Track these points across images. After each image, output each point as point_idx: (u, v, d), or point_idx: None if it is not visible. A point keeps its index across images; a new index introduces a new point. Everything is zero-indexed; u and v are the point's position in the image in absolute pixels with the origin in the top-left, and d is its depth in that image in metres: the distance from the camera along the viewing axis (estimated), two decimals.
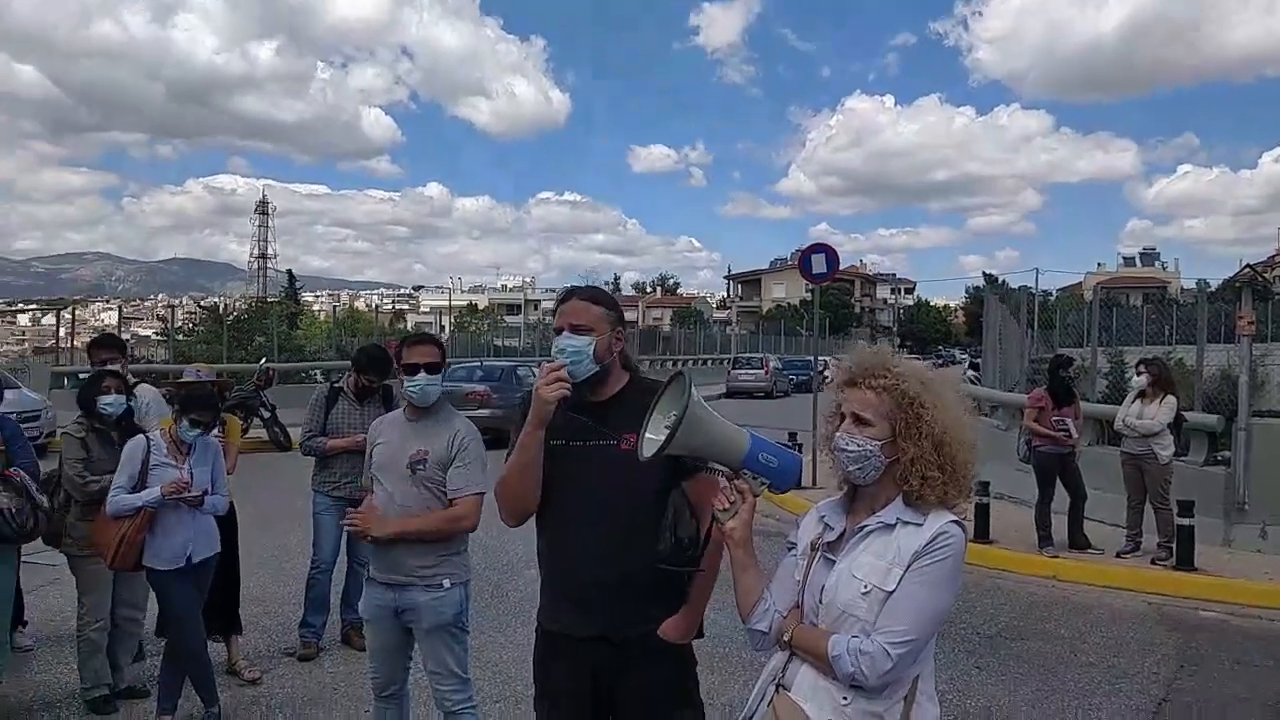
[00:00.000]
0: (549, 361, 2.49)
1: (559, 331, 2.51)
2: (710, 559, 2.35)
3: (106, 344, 5.69)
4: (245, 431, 14.92)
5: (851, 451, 2.04)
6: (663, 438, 2.09)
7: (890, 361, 2.10)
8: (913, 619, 1.93)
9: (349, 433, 5.62)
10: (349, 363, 6.31)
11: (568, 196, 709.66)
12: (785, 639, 2.07)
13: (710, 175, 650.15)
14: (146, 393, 5.67)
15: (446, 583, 3.52)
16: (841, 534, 2.10)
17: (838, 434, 2.07)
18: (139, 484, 4.42)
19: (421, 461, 3.52)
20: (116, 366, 5.36)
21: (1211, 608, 7.07)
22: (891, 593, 1.95)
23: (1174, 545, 7.78)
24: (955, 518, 2.02)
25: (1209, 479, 8.90)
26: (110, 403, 4.79)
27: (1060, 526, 8.36)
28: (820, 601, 2.03)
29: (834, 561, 2.06)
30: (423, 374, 3.56)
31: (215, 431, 4.96)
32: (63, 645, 5.45)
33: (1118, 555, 8.18)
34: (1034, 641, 6.23)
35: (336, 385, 5.91)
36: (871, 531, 2.04)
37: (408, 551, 3.51)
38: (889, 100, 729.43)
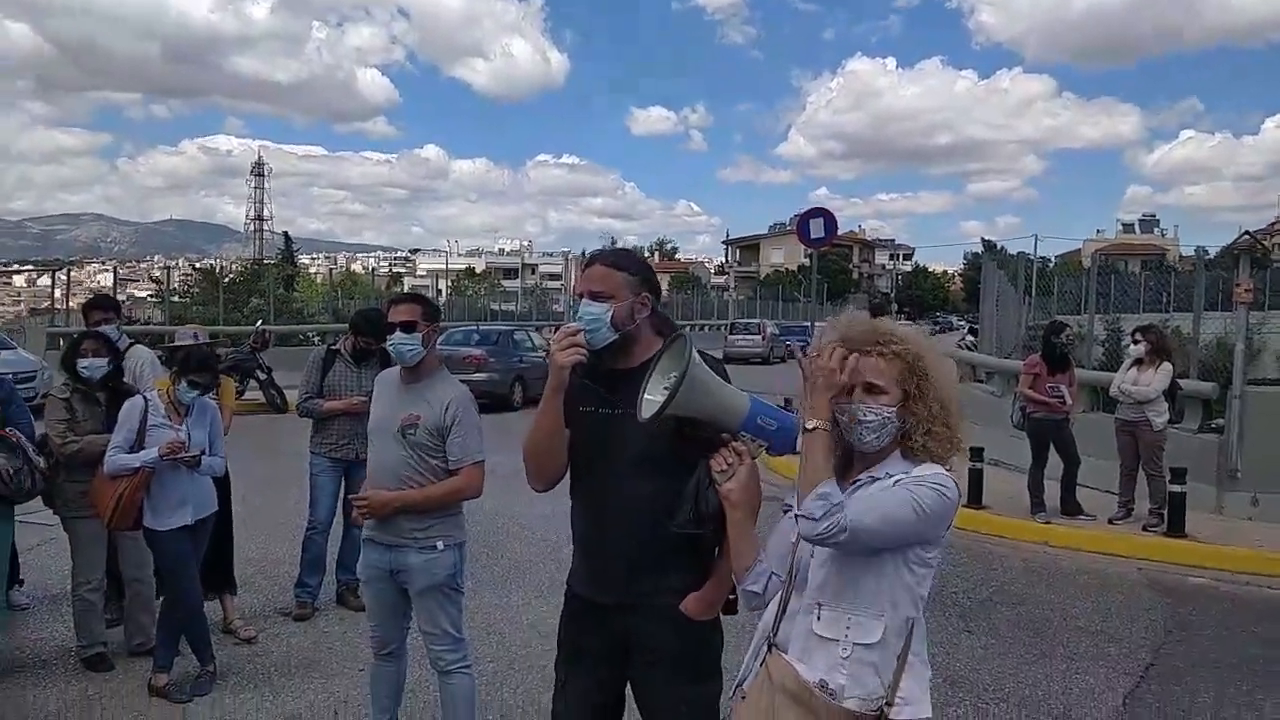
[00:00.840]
0: (560, 325, 2.47)
1: (580, 297, 2.49)
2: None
3: (101, 305, 5.68)
4: (241, 394, 15.01)
5: (871, 422, 2.03)
6: (662, 399, 2.08)
7: (891, 328, 2.11)
8: (874, 511, 1.93)
9: (346, 395, 5.63)
10: (345, 325, 6.29)
11: (566, 159, 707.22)
12: (807, 425, 2.02)
13: (710, 138, 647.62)
14: (141, 354, 5.67)
15: (440, 544, 3.54)
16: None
17: (854, 406, 2.04)
18: (137, 444, 4.44)
19: (413, 426, 3.51)
20: (111, 328, 5.35)
21: (1201, 574, 7.14)
22: None
23: (1165, 512, 7.84)
24: (948, 470, 2.04)
25: (1202, 446, 8.93)
26: (88, 366, 4.78)
27: (1053, 492, 8.41)
28: (811, 556, 2.05)
29: None
30: (398, 332, 3.54)
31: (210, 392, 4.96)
32: (58, 604, 5.50)
33: (1110, 521, 8.23)
34: (1024, 606, 6.28)
35: (334, 347, 5.91)
36: (860, 485, 2.05)
37: (402, 513, 3.53)
38: (890, 63, 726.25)
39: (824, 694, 1.97)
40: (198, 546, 4.64)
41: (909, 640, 2.01)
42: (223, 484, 5.03)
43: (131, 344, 5.69)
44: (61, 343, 19.33)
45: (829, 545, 1.95)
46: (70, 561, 4.92)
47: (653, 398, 2.15)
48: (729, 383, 2.37)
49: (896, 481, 1.99)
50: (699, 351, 2.25)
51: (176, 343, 5.72)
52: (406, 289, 52.61)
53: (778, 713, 2.01)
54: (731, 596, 2.52)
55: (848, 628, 1.99)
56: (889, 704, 1.95)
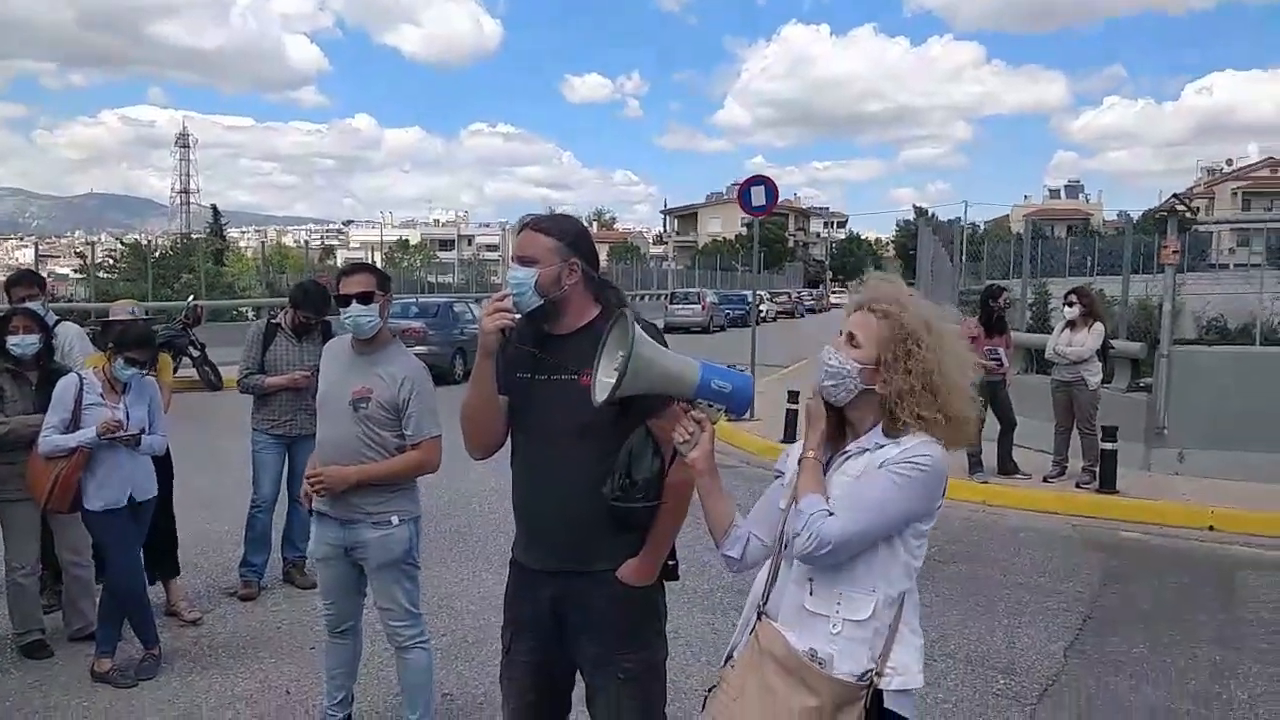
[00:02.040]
0: (495, 294, 2.48)
1: (511, 262, 2.50)
2: (673, 501, 2.34)
3: (25, 280, 5.47)
4: (175, 371, 14.63)
5: (831, 366, 2.07)
6: (613, 380, 2.08)
7: (902, 293, 2.12)
8: (863, 507, 1.97)
9: (287, 370, 5.52)
10: (279, 300, 6.14)
11: (501, 128, 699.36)
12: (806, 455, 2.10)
13: (646, 106, 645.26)
14: (69, 330, 5.48)
15: (395, 519, 3.51)
16: (827, 463, 2.12)
17: (826, 346, 2.10)
18: (73, 424, 4.30)
19: (365, 399, 3.46)
20: (37, 304, 5.16)
21: (1132, 528, 7.39)
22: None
23: (1098, 469, 8.08)
24: (937, 440, 2.04)
25: (1131, 405, 9.23)
26: (20, 343, 4.61)
27: (990, 453, 8.61)
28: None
29: None
30: (354, 304, 3.48)
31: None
32: None
33: (1044, 480, 8.48)
34: (965, 564, 6.44)
35: (274, 322, 5.78)
36: (850, 456, 2.07)
37: (356, 489, 3.48)
38: (824, 30, 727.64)
39: (813, 663, 1.99)
40: (139, 528, 4.53)
41: (900, 611, 2.03)
42: (164, 464, 4.91)
43: (58, 320, 5.50)
44: None
45: (818, 562, 1.98)
46: (3, 546, 4.77)
47: (606, 379, 2.14)
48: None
49: (881, 464, 2.00)
50: (642, 321, 2.26)
51: (112, 318, 5.54)
52: (340, 261, 51.72)
53: (766, 680, 2.02)
54: (671, 563, 2.54)
55: (838, 604, 2.01)
56: (879, 674, 1.98)
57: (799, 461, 2.11)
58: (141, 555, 4.68)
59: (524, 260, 2.44)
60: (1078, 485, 8.24)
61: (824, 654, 1.99)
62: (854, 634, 2.00)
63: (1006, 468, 8.63)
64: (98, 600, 4.65)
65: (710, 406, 2.11)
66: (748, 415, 11.52)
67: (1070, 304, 8.47)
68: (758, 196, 12.34)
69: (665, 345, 2.45)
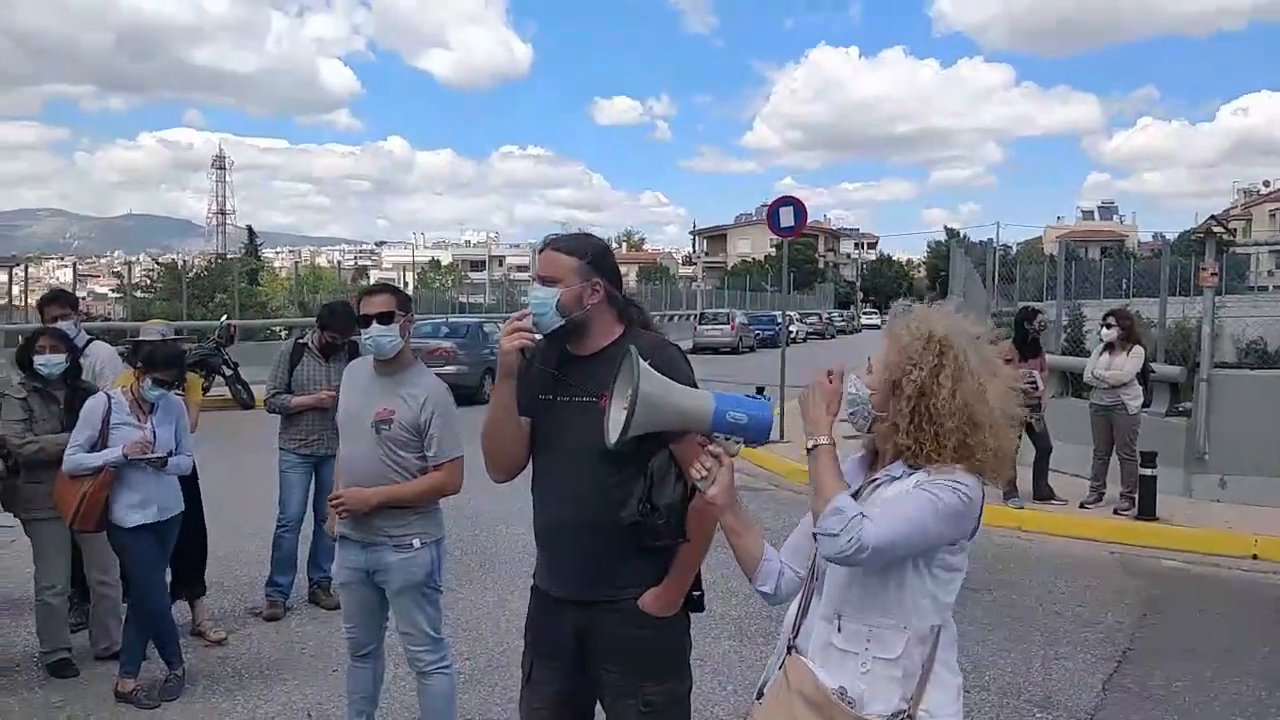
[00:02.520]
0: (515, 314, 2.45)
1: (532, 282, 2.47)
2: (697, 529, 2.28)
3: (57, 300, 5.51)
4: (206, 390, 14.76)
5: (849, 393, 2.01)
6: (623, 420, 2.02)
7: (926, 313, 2.03)
8: (897, 519, 1.86)
9: (314, 390, 5.51)
10: (311, 319, 6.15)
11: (531, 150, 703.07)
12: (809, 444, 1.97)
13: (675, 128, 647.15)
14: (101, 350, 5.51)
15: (417, 542, 3.46)
16: (858, 491, 2.04)
17: (849, 374, 2.04)
18: (99, 443, 4.31)
19: (387, 421, 3.42)
20: (68, 323, 5.20)
21: (1173, 557, 7.20)
22: None
23: (1136, 495, 7.90)
24: (972, 472, 1.95)
25: (1170, 430, 9.03)
26: (45, 363, 4.63)
27: (1025, 478, 8.45)
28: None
29: None
30: (375, 325, 3.45)
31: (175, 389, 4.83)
32: (22, 608, 5.33)
33: (1081, 506, 8.29)
34: (1000, 592, 6.30)
35: (301, 341, 5.78)
36: (880, 483, 1.99)
37: (378, 511, 3.44)
38: (853, 52, 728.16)
39: (843, 701, 1.91)
40: (164, 547, 4.52)
41: (934, 649, 1.94)
42: (191, 483, 4.91)
43: (90, 340, 5.53)
44: (21, 340, 18.94)
45: (853, 564, 1.88)
46: (34, 565, 4.78)
47: (617, 418, 2.08)
48: (691, 374, 2.33)
49: (916, 484, 1.92)
50: (659, 350, 2.20)
51: (141, 338, 5.57)
52: (373, 282, 52.09)
53: (795, 718, 1.95)
54: (696, 593, 2.47)
55: (868, 641, 1.93)
56: (911, 716, 1.89)
57: (808, 451, 1.96)
58: (168, 574, 4.67)
59: (545, 280, 2.40)
60: (1115, 512, 8.05)
61: (854, 692, 1.91)
62: (884, 672, 1.91)
63: (1042, 493, 8.46)
64: (122, 618, 4.64)
65: (727, 439, 2.04)
66: (776, 438, 11.45)
67: (1109, 326, 8.31)
68: (786, 217, 12.28)
69: (689, 368, 2.40)
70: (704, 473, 2.03)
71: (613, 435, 2.09)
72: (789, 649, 2.05)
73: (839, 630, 1.95)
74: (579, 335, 2.43)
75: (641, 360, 2.04)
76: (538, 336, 2.41)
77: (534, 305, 2.39)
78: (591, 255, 2.45)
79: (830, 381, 2.00)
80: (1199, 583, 6.68)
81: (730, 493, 2.04)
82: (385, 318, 3.48)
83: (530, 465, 2.56)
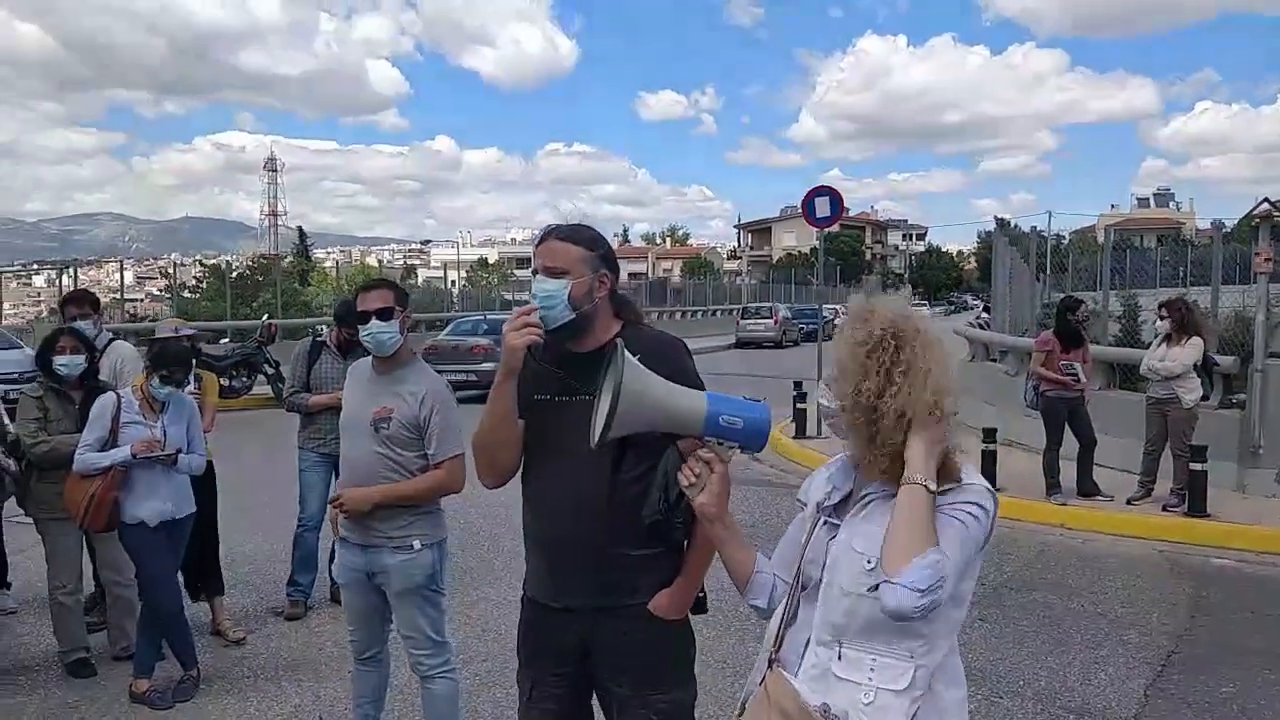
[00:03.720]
0: (520, 307, 2.30)
1: (535, 274, 2.31)
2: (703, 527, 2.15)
3: (78, 300, 5.51)
4: (249, 389, 14.92)
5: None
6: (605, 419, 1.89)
7: (862, 310, 1.84)
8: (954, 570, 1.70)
9: (332, 388, 5.45)
10: None
11: (577, 148, 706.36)
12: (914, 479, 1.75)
13: (720, 121, 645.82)
14: (122, 349, 5.51)
15: (417, 544, 3.37)
16: (847, 496, 1.89)
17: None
18: (110, 442, 4.28)
19: (385, 420, 3.34)
20: (88, 323, 5.19)
21: (1225, 555, 6.91)
22: None
23: (1186, 492, 7.59)
24: (981, 480, 1.80)
25: (1223, 422, 8.66)
26: (65, 363, 4.61)
27: (1069, 473, 8.17)
28: (823, 580, 1.84)
29: (836, 527, 1.87)
30: (374, 320, 3.37)
31: (191, 388, 4.81)
32: (46, 608, 5.35)
33: (1128, 502, 7.98)
34: (1041, 592, 6.08)
35: (319, 339, 5.74)
36: (873, 500, 1.83)
37: (376, 513, 3.35)
38: (901, 40, 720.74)
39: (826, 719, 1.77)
40: (176, 547, 4.48)
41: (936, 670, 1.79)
42: (206, 482, 4.88)
43: (112, 339, 5.54)
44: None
45: (915, 619, 1.69)
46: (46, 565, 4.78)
47: (601, 419, 1.96)
48: (690, 372, 2.20)
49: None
50: (651, 346, 2.07)
51: (156, 336, 5.56)
52: (420, 281, 52.57)
53: None
54: (700, 594, 2.36)
55: (872, 670, 1.76)
56: None
57: (910, 485, 1.72)
58: (180, 574, 4.65)
59: (553, 271, 2.27)
60: (1164, 508, 7.74)
61: (838, 710, 1.76)
62: (889, 703, 1.74)
63: (1086, 488, 8.16)
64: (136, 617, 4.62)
65: (720, 444, 1.90)
66: (814, 433, 11.22)
67: (1162, 317, 7.98)
68: (822, 207, 12.02)
69: (693, 366, 2.26)
70: (692, 479, 1.90)
71: (594, 436, 1.97)
72: (770, 663, 1.91)
73: (839, 659, 1.79)
74: (582, 331, 2.30)
75: (629, 354, 1.91)
76: (543, 331, 2.26)
77: (542, 299, 2.24)
78: (602, 247, 2.35)
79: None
80: (1251, 583, 6.38)
81: (721, 502, 1.91)
82: (385, 313, 3.39)
83: (522, 468, 2.43)
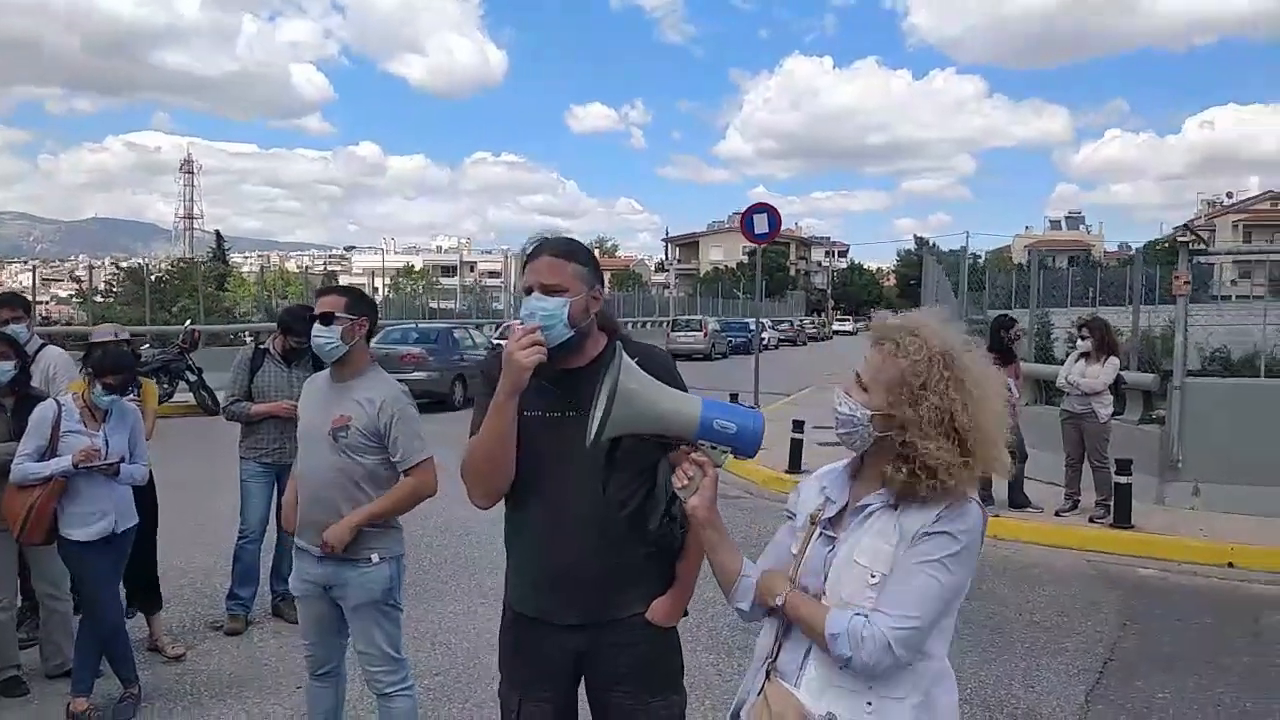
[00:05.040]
0: (517, 323, 2.25)
1: (529, 291, 2.25)
2: (694, 535, 2.14)
3: (9, 303, 5.26)
4: (171, 396, 14.48)
5: (841, 414, 1.88)
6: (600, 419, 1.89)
7: (917, 323, 1.89)
8: (917, 602, 1.76)
9: (275, 397, 5.33)
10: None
11: (505, 157, 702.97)
12: (777, 602, 1.88)
13: (650, 136, 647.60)
14: (53, 355, 5.29)
15: (375, 557, 3.30)
16: (843, 509, 1.92)
17: (836, 390, 1.90)
18: (49, 452, 4.12)
19: (344, 428, 3.27)
20: (21, 327, 4.98)
21: (1150, 565, 7.17)
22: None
23: (1111, 503, 7.87)
24: (967, 495, 1.84)
25: (1143, 438, 9.02)
26: None
27: (1000, 486, 8.39)
28: (825, 592, 1.87)
29: (834, 539, 1.89)
30: (316, 324, 3.32)
31: (131, 395, 4.64)
32: None
33: (1056, 514, 8.25)
34: (978, 602, 6.20)
35: (262, 347, 5.60)
36: (874, 511, 1.86)
37: (335, 522, 3.27)
38: (827, 62, 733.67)
39: None
40: (118, 559, 4.33)
41: (931, 675, 1.85)
42: (146, 493, 4.71)
43: (43, 345, 5.32)
44: None
45: (895, 664, 1.78)
46: None
47: (596, 416, 1.96)
48: (679, 380, 2.20)
49: (914, 536, 1.79)
50: (643, 353, 2.07)
51: (93, 341, 5.36)
52: (329, 283, 51.52)
53: None
54: None
55: (872, 679, 1.81)
56: None
57: (776, 607, 1.89)
58: (121, 588, 4.48)
59: (551, 289, 2.22)
60: (1091, 520, 8.02)
61: (843, 718, 1.80)
62: (891, 711, 1.79)
63: (1018, 501, 8.40)
64: (72, 634, 4.44)
65: (713, 448, 1.91)
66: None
67: (1084, 336, 8.28)
68: (761, 224, 12.22)
69: (677, 373, 2.27)
70: (685, 482, 1.91)
71: (589, 437, 1.97)
72: (768, 674, 1.93)
73: (841, 668, 1.82)
74: (574, 347, 2.27)
75: (626, 357, 1.92)
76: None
77: (543, 318, 2.19)
78: (589, 260, 2.32)
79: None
80: (1176, 591, 6.63)
81: (713, 505, 1.93)
82: (325, 319, 3.32)
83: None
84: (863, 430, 1.86)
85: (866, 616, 1.77)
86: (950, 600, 1.82)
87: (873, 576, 1.79)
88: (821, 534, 1.92)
